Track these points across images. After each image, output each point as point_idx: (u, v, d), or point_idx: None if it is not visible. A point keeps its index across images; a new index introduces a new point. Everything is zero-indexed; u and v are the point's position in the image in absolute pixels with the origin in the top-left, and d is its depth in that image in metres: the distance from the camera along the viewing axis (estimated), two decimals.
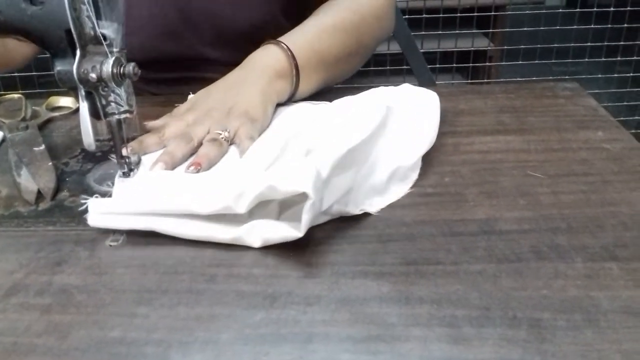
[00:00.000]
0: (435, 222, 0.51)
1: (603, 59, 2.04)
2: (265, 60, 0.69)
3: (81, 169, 0.62)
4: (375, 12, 0.80)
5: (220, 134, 0.60)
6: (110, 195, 0.54)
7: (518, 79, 2.11)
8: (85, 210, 0.51)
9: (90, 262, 0.48)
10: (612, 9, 1.97)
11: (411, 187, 0.56)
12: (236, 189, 0.48)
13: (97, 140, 0.54)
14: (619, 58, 2.03)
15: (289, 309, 0.42)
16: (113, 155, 0.56)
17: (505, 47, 2.16)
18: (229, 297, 0.44)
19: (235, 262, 0.47)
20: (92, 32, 0.51)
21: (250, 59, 0.70)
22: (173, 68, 0.87)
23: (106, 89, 0.53)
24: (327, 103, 0.69)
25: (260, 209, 0.49)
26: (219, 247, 0.49)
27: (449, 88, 0.79)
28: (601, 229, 0.49)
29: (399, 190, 0.55)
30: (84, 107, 0.53)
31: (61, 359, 0.39)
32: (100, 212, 0.51)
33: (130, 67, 0.52)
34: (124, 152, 0.55)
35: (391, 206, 0.54)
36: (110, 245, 0.50)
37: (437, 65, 2.01)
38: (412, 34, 1.33)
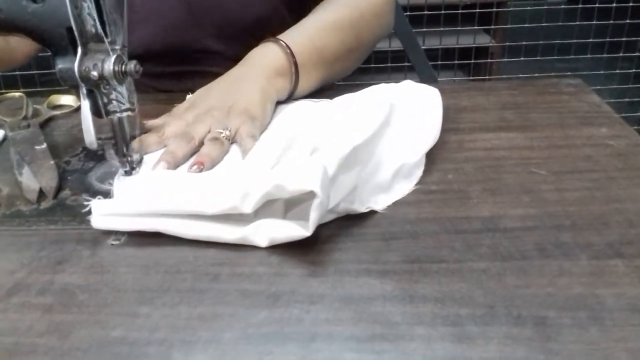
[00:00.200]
0: (438, 219, 0.51)
1: (605, 55, 2.03)
2: (265, 58, 0.69)
3: (83, 167, 0.61)
4: (374, 9, 0.80)
5: (222, 133, 0.59)
6: (111, 194, 0.54)
7: (520, 75, 2.10)
8: (89, 211, 0.51)
9: (92, 261, 0.48)
10: (614, 4, 1.96)
11: (415, 185, 0.56)
12: (242, 189, 0.48)
13: (98, 139, 0.54)
14: (621, 54, 2.02)
15: (292, 307, 0.42)
16: (112, 153, 0.56)
17: (507, 43, 2.16)
18: (231, 296, 0.43)
19: (238, 261, 0.47)
20: (93, 30, 0.51)
21: (249, 57, 0.70)
22: (176, 62, 0.87)
23: (108, 87, 0.52)
24: (328, 100, 0.69)
25: (265, 208, 0.49)
26: (222, 246, 0.49)
27: (451, 85, 0.78)
28: (606, 226, 0.49)
29: (404, 187, 0.55)
30: (85, 105, 0.53)
31: (63, 359, 0.39)
32: (104, 214, 0.50)
33: (132, 65, 0.52)
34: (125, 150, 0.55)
35: (395, 204, 0.53)
36: (112, 245, 0.50)
37: (439, 62, 2.00)
38: (414, 30, 1.33)
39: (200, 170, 0.56)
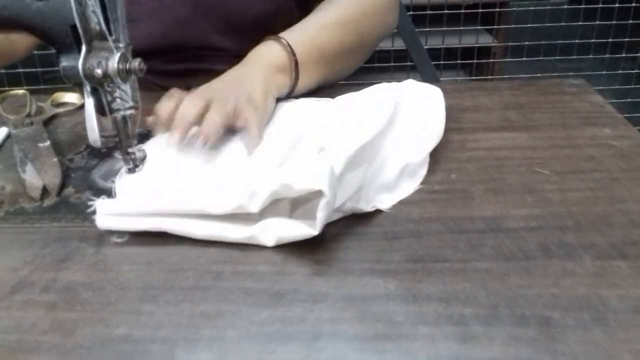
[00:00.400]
0: (442, 219, 0.51)
1: (608, 56, 2.03)
2: (266, 55, 0.70)
3: (86, 165, 0.61)
4: (377, 8, 0.80)
5: (226, 107, 0.60)
6: (113, 192, 0.53)
7: (522, 75, 2.10)
8: (93, 210, 0.51)
9: (96, 259, 0.48)
10: (616, 5, 1.96)
11: (419, 184, 0.56)
12: (249, 188, 0.48)
13: (102, 137, 0.54)
14: (623, 54, 2.02)
15: (295, 306, 0.42)
16: (118, 152, 0.56)
17: (510, 43, 2.15)
18: (234, 295, 0.43)
19: (241, 259, 0.47)
20: (97, 28, 0.50)
21: (251, 55, 0.71)
22: (180, 59, 0.87)
23: (112, 84, 0.52)
24: (330, 100, 0.69)
25: (272, 207, 0.49)
26: (225, 244, 0.49)
27: (453, 84, 0.78)
28: (610, 226, 0.49)
29: (409, 186, 0.55)
30: (89, 103, 0.53)
31: (66, 357, 0.39)
32: (109, 214, 0.50)
33: (136, 63, 0.52)
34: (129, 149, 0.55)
35: (398, 203, 0.53)
36: (116, 242, 0.50)
37: (441, 62, 2.00)
38: (416, 30, 1.33)
39: (206, 142, 0.56)
